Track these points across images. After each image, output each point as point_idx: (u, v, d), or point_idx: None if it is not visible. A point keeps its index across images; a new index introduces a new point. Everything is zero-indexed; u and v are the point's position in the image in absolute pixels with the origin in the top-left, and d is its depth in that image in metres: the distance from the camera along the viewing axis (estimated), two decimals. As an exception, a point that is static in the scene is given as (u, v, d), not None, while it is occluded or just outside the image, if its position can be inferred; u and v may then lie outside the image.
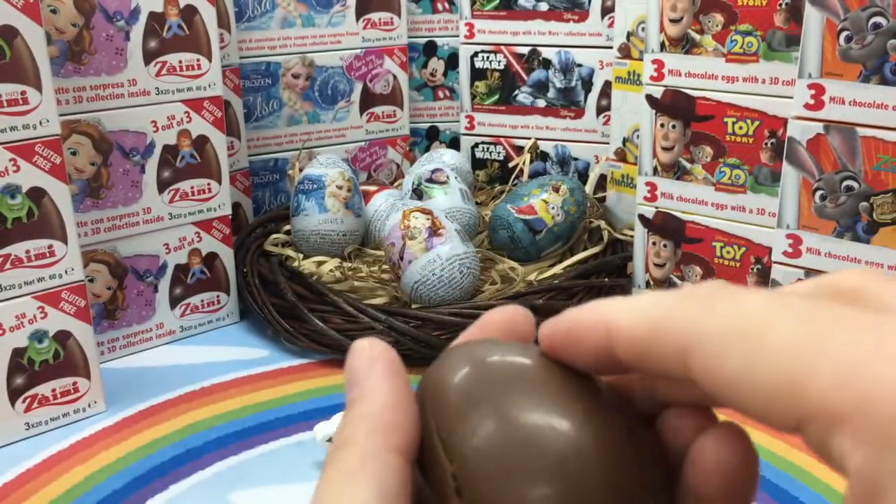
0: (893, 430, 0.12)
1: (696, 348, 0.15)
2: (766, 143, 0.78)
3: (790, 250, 0.71)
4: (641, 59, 0.87)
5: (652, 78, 0.82)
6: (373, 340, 0.20)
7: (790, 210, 0.70)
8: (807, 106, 0.67)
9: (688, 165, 0.83)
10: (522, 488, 0.17)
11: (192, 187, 0.83)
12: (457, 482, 0.17)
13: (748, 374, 0.14)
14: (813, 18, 0.65)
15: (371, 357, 0.19)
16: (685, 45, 0.80)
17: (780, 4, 0.75)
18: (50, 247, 0.68)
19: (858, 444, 0.13)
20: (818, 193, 0.68)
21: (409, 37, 1.08)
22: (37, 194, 0.67)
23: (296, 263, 0.89)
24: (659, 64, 0.82)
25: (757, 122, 0.78)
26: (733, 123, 0.79)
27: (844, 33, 0.64)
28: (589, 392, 0.18)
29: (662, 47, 0.81)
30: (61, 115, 0.71)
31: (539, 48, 1.02)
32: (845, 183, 0.67)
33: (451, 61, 1.11)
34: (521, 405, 0.18)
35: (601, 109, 1.01)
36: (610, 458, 0.17)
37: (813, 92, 0.67)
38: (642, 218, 0.87)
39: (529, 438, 0.17)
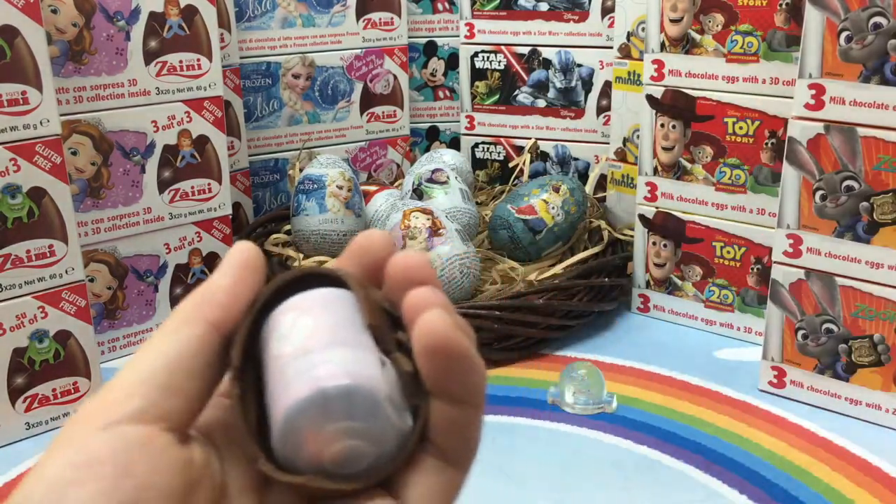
0: None
1: None
2: (766, 143, 0.78)
3: (790, 250, 0.71)
4: (642, 60, 0.87)
5: (652, 78, 0.82)
6: (247, 243, 0.23)
7: (790, 210, 0.70)
8: (807, 106, 0.67)
9: (688, 165, 0.83)
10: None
11: (192, 187, 0.83)
12: (234, 373, 0.21)
13: None
14: (813, 19, 0.65)
15: (233, 252, 0.22)
16: (685, 45, 0.80)
17: (781, 4, 0.75)
18: (50, 246, 0.68)
19: None
20: (818, 193, 0.68)
21: (410, 37, 1.08)
22: (37, 194, 0.67)
23: (296, 263, 0.89)
24: (659, 64, 0.82)
25: (757, 122, 0.78)
26: (733, 123, 0.79)
27: (845, 33, 0.64)
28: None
29: (663, 47, 0.81)
30: (62, 114, 0.71)
31: (539, 48, 1.02)
32: (846, 183, 0.67)
33: (452, 61, 1.11)
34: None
35: (601, 109, 1.01)
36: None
37: (813, 92, 0.67)
38: (642, 218, 0.87)
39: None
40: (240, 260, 0.22)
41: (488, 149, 1.09)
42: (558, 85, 1.02)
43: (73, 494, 0.18)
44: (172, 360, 0.20)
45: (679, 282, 0.87)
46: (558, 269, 0.87)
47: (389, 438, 0.21)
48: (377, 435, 0.20)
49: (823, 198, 0.68)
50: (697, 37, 0.79)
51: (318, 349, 0.21)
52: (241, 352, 0.21)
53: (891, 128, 0.64)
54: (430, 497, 0.21)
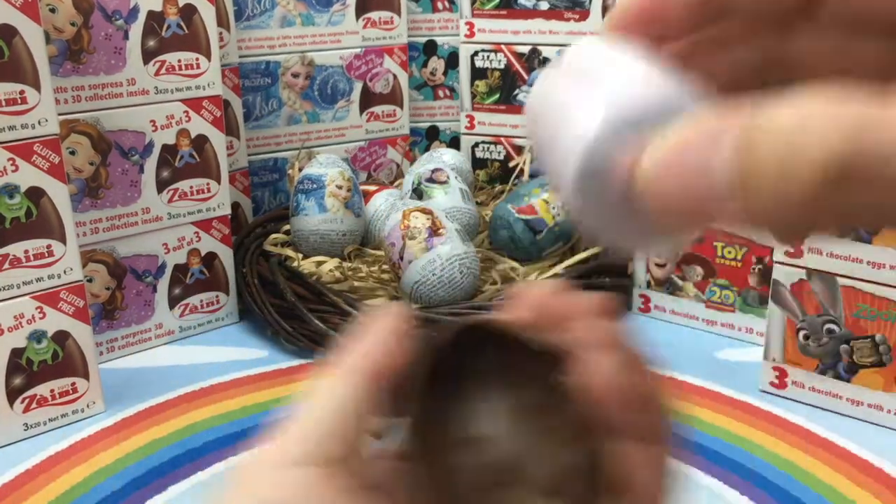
0: None
1: None
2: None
3: (791, 250, 0.70)
4: (642, 59, 0.87)
5: (653, 77, 0.82)
6: (390, 305, 0.24)
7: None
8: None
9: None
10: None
11: (191, 187, 0.83)
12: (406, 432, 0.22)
13: None
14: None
15: (379, 316, 0.23)
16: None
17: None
18: (48, 247, 0.68)
19: None
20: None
21: (409, 36, 1.08)
22: (35, 194, 0.66)
23: (295, 263, 0.88)
24: (660, 63, 0.81)
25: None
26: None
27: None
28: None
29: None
30: (60, 114, 0.71)
31: (539, 47, 1.02)
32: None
33: (452, 60, 1.10)
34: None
35: (602, 109, 1.01)
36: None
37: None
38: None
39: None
40: (390, 325, 0.23)
41: (488, 148, 1.08)
42: (558, 84, 1.02)
43: None
44: (338, 406, 0.21)
45: (680, 282, 0.87)
46: (559, 269, 0.87)
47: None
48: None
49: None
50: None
51: None
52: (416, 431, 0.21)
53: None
54: None
